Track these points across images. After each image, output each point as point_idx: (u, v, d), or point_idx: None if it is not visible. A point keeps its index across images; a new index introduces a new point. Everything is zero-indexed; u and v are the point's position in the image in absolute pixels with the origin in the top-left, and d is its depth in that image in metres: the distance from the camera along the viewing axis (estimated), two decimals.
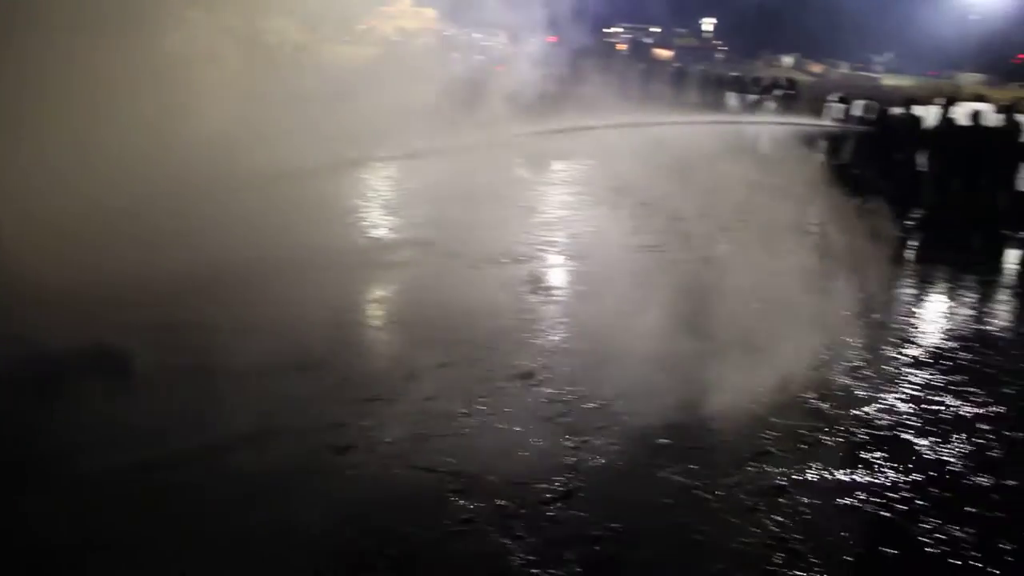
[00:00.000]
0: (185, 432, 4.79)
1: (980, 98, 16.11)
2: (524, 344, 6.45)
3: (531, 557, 3.93)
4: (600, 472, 4.69)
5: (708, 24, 56.78)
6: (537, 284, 7.84)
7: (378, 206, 10.85)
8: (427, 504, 4.32)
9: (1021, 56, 42.22)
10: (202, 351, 5.77)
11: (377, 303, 7.49)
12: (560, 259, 8.94)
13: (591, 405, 5.47)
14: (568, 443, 4.97)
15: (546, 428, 5.15)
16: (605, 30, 41.57)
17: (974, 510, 4.53)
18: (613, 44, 41.69)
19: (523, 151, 10.78)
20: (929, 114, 13.80)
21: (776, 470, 4.81)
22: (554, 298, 7.58)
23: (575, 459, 4.80)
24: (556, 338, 6.62)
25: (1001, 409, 5.81)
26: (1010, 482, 4.84)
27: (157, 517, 4.04)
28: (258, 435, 4.81)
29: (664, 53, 43.04)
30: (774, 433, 5.24)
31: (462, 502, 4.33)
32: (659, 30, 53.31)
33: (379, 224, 9.95)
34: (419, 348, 6.22)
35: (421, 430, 5.05)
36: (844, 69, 44.81)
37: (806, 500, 4.52)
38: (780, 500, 4.51)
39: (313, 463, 4.64)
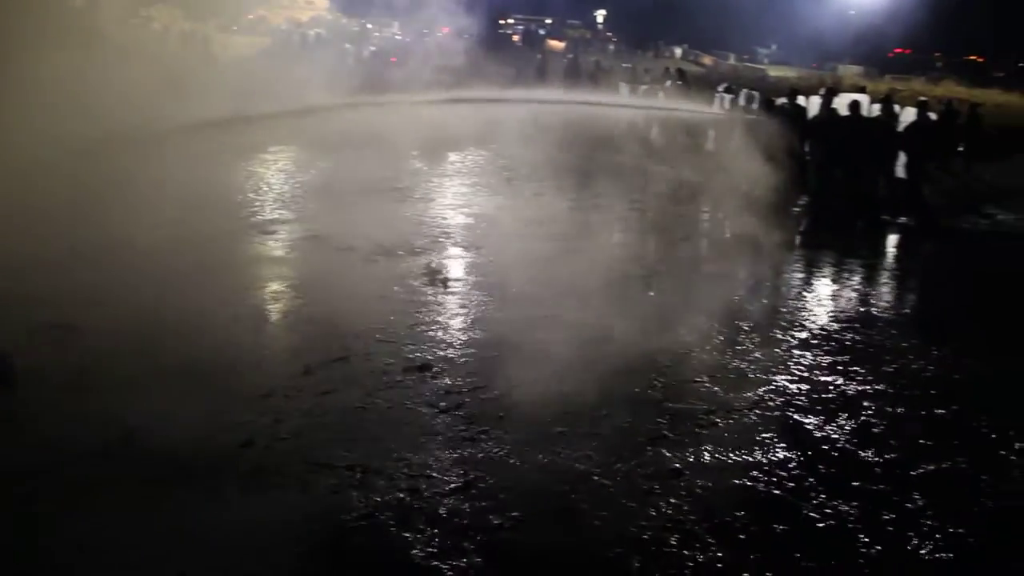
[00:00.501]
0: (75, 436, 4.59)
1: (860, 89, 16.78)
2: (421, 336, 6.41)
3: (432, 549, 3.91)
4: (499, 462, 4.69)
5: (600, 16, 57.44)
6: (433, 276, 7.79)
7: (271, 199, 10.61)
8: (326, 499, 4.25)
9: (897, 50, 44.17)
10: (91, 352, 5.55)
11: (271, 298, 7.30)
12: (456, 250, 8.89)
13: (488, 395, 5.47)
14: (466, 434, 4.96)
15: (444, 419, 5.13)
16: (500, 21, 41.62)
17: (859, 484, 4.71)
18: (507, 35, 41.79)
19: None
20: (812, 104, 14.29)
21: (672, 454, 4.89)
22: (450, 290, 7.54)
23: (473, 450, 4.79)
24: (453, 329, 6.60)
25: (882, 386, 6.05)
26: (891, 456, 5.04)
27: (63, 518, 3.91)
28: (152, 434, 4.63)
29: (557, 44, 43.30)
30: (669, 417, 5.34)
31: (362, 497, 4.27)
32: (552, 21, 53.67)
33: (272, 217, 9.73)
34: (315, 343, 6.12)
35: (318, 425, 4.97)
36: (732, 60, 45.88)
37: (701, 482, 4.61)
38: (676, 483, 4.60)
39: (209, 461, 4.49)
